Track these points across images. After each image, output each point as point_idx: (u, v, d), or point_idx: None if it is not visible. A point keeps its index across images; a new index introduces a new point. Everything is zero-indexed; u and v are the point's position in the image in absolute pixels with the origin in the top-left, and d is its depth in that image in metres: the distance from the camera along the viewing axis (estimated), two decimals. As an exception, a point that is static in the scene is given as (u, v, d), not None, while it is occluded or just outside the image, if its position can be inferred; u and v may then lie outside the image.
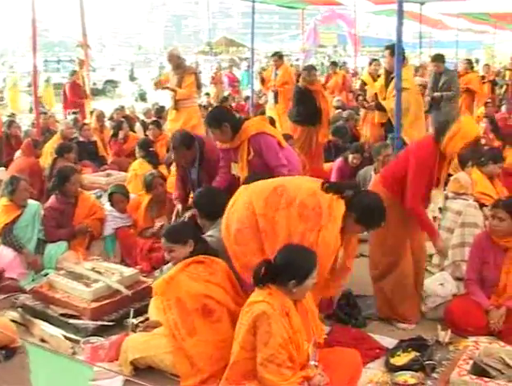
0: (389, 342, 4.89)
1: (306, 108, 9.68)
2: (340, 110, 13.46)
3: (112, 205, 7.04)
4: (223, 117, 5.90)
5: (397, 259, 5.24)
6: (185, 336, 4.29)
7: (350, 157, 8.51)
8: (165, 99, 12.82)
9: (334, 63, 19.44)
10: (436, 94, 11.05)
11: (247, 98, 17.23)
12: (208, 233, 5.20)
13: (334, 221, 4.33)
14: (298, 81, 10.23)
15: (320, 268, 4.06)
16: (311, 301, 4.18)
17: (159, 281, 4.55)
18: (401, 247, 5.24)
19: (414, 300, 5.36)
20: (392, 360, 4.55)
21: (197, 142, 6.33)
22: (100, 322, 5.11)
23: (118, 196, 7.08)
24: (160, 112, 13.37)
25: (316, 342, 4.05)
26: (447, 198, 6.57)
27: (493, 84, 17.70)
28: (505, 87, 17.83)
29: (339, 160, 8.84)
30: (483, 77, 16.99)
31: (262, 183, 4.75)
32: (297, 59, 26.81)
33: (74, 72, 16.07)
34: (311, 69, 10.22)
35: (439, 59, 11.50)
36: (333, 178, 8.55)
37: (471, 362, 4.28)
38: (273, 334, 3.74)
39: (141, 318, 5.05)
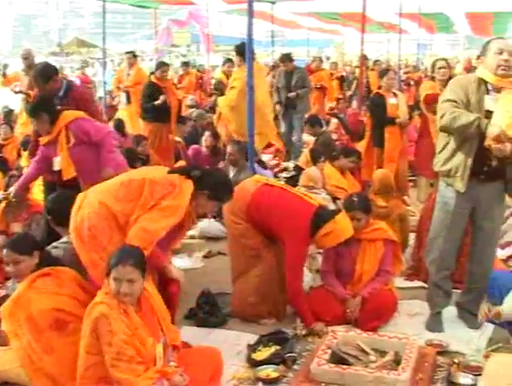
0: (249, 337, 4.91)
1: (156, 105, 9.61)
2: (193, 109, 13.52)
3: None
4: (40, 106, 5.88)
5: (259, 257, 5.26)
6: (42, 355, 4.05)
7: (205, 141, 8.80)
8: (14, 102, 12.34)
9: (186, 63, 19.44)
10: (291, 94, 11.38)
11: (100, 99, 16.89)
12: (63, 240, 4.96)
13: (183, 197, 4.41)
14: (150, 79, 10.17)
15: (156, 230, 4.25)
16: (161, 303, 4.13)
17: (6, 303, 4.26)
18: (262, 244, 5.27)
19: (278, 298, 5.36)
20: (253, 355, 4.59)
21: (67, 81, 6.56)
22: None
23: None
24: (9, 115, 12.86)
25: (170, 345, 4.03)
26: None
27: (341, 80, 18.31)
28: (355, 83, 18.41)
29: (192, 147, 9.06)
30: (331, 74, 17.56)
31: (105, 184, 4.67)
32: (151, 59, 26.56)
33: None
34: (161, 66, 10.17)
35: (286, 58, 11.89)
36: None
37: (329, 351, 4.38)
38: (115, 332, 3.69)
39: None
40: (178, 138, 9.86)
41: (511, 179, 4.90)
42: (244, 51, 8.10)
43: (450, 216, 5.01)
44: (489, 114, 4.65)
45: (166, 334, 4.02)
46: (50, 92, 6.24)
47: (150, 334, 3.86)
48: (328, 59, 28.01)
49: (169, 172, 4.55)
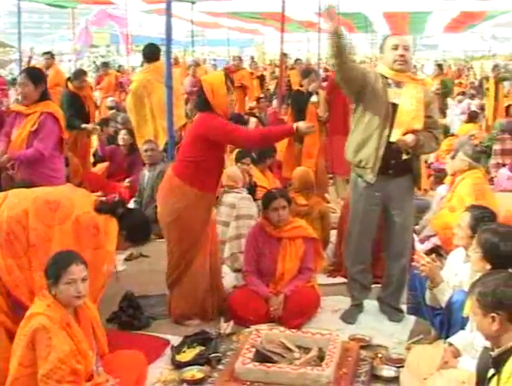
0: (174, 339, 4.87)
1: (76, 113, 9.45)
2: (114, 110, 13.36)
3: None
4: (43, 78, 6.00)
5: (194, 256, 5.20)
6: None
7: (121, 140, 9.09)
8: None
9: (105, 64, 19.19)
10: None
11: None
12: None
13: (111, 241, 4.44)
14: (67, 85, 9.93)
15: (93, 286, 4.11)
16: (96, 313, 4.07)
17: None
18: (198, 243, 5.20)
19: (211, 296, 5.36)
20: (178, 357, 4.56)
21: None
22: None
23: None
24: None
25: (100, 352, 3.98)
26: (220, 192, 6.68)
27: (262, 79, 18.38)
28: (275, 82, 18.52)
29: (110, 147, 9.40)
30: (251, 74, 17.62)
31: (31, 193, 4.54)
32: (69, 60, 26.07)
33: None
34: (80, 74, 9.95)
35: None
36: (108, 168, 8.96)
37: (254, 350, 4.39)
38: (53, 347, 3.58)
39: None
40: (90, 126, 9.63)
41: (419, 174, 5.03)
42: (148, 53, 8.24)
43: (361, 211, 5.18)
44: (394, 107, 4.86)
45: (99, 344, 3.98)
46: None
47: (89, 347, 3.81)
48: (252, 58, 28.06)
49: (96, 209, 4.48)
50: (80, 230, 4.32)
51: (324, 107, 8.52)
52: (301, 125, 4.88)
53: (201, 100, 5.10)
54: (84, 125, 9.17)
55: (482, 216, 4.59)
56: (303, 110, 8.45)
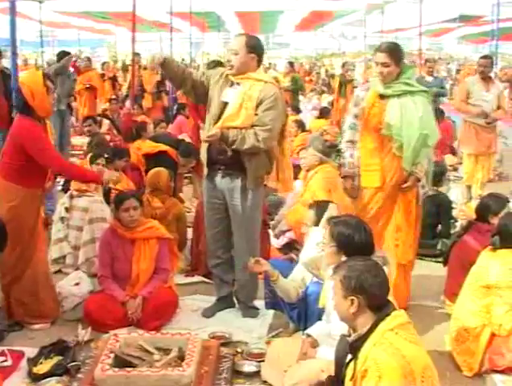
0: (30, 351, 4.69)
1: None
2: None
3: None
4: None
5: (31, 255, 5.08)
6: None
7: None
8: None
9: None
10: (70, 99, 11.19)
11: None
12: None
13: None
14: None
15: None
16: None
17: None
18: (33, 242, 5.09)
19: (52, 295, 5.28)
20: (35, 369, 4.40)
21: None
22: None
23: None
24: None
25: None
26: (72, 197, 6.56)
27: (114, 80, 18.14)
28: (128, 83, 18.34)
29: None
30: (103, 75, 17.35)
31: None
32: None
33: None
34: None
35: (61, 56, 11.60)
36: None
37: (113, 355, 4.31)
38: None
39: None
40: None
41: (250, 172, 5.10)
42: None
43: (206, 205, 5.35)
44: (225, 105, 5.01)
45: None
46: None
47: None
48: (114, 59, 27.70)
49: None
50: None
51: None
52: (106, 176, 5.23)
53: (22, 103, 5.02)
54: None
55: (325, 211, 4.78)
56: None
